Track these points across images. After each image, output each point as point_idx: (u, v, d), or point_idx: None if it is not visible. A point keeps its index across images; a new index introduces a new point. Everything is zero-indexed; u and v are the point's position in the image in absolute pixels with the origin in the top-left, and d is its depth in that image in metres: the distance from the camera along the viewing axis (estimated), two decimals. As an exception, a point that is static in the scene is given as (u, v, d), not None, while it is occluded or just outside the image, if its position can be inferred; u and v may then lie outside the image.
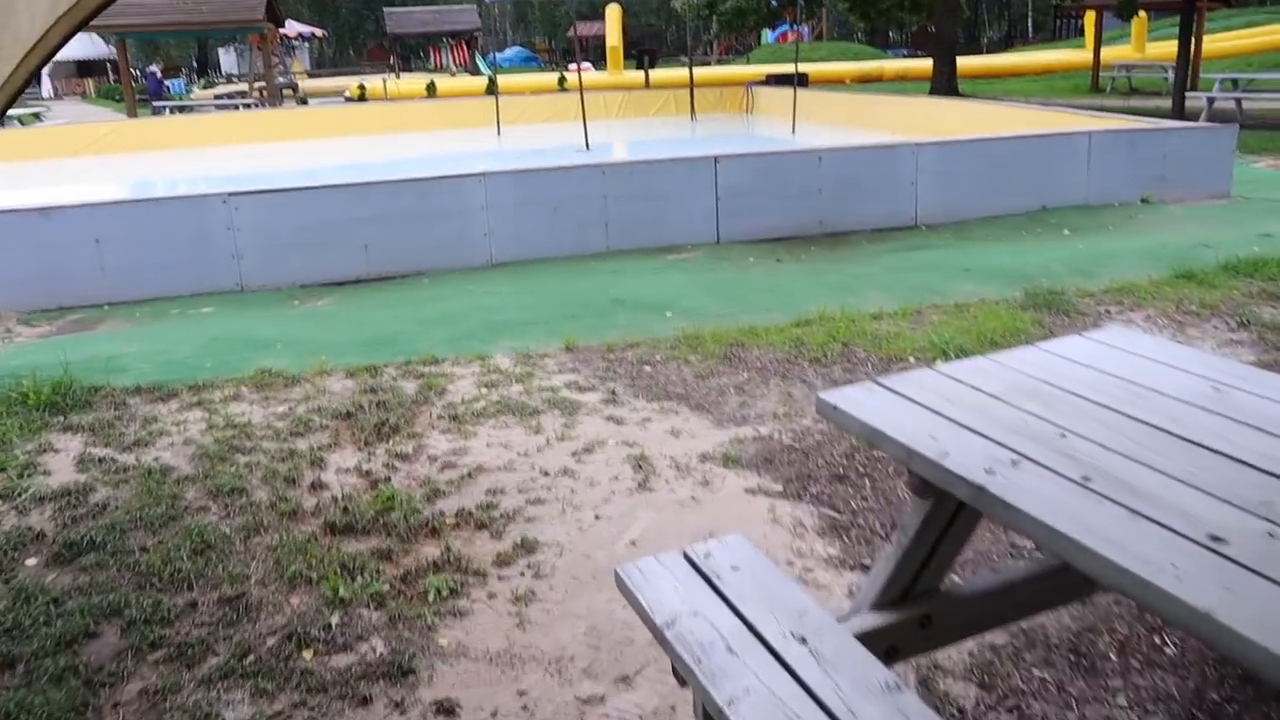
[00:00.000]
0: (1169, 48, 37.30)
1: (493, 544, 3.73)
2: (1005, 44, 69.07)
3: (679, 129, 20.35)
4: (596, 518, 3.90)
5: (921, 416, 2.21)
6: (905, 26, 61.70)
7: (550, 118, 21.28)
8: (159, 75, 34.48)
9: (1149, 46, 36.48)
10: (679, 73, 35.33)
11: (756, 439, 4.62)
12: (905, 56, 54.15)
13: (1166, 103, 24.19)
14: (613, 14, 36.39)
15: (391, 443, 4.68)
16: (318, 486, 4.25)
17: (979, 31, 65.89)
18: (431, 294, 7.61)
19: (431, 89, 29.83)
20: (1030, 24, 75.08)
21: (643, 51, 27.87)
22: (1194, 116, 18.85)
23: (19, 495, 4.21)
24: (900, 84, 34.91)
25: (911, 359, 5.70)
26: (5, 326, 7.38)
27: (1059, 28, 68.58)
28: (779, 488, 4.13)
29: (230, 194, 7.92)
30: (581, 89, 16.05)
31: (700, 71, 23.34)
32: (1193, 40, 29.56)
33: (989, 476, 1.90)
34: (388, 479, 4.30)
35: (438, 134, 20.15)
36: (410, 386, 5.42)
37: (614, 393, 5.23)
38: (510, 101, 21.68)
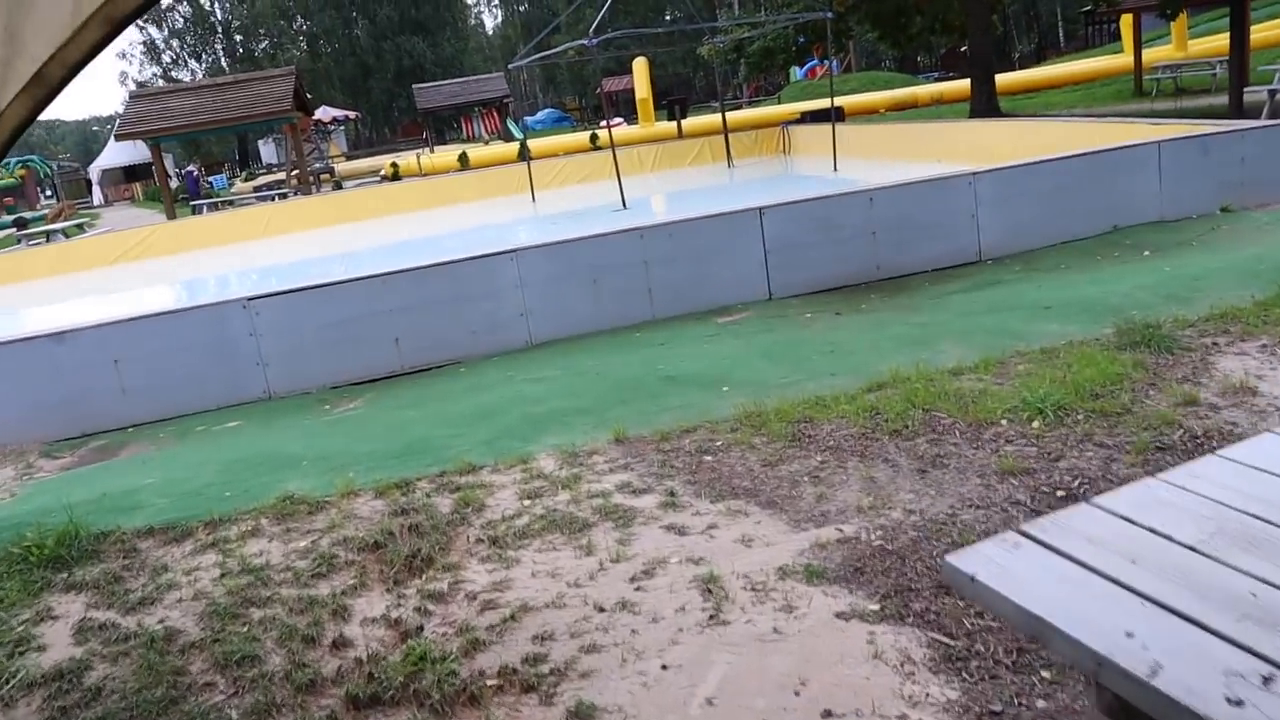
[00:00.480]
0: (1209, 44, 36.44)
1: (542, 712, 3.12)
2: (1038, 57, 68.11)
3: (716, 177, 19.87)
4: (663, 667, 3.28)
5: (1100, 591, 1.57)
6: (934, 50, 61.14)
7: (584, 178, 20.94)
8: (196, 174, 34.89)
9: (1190, 44, 35.55)
10: (711, 119, 35.03)
11: (841, 542, 3.97)
12: (937, 79, 53.54)
13: (1218, 100, 23.28)
14: (640, 67, 36.25)
15: (424, 578, 4.10)
16: (340, 645, 3.68)
17: (1009, 47, 65.03)
18: (468, 385, 7.08)
19: (464, 160, 29.73)
20: (1061, 34, 74.12)
21: (672, 101, 27.54)
22: (1254, 112, 17.97)
23: (7, 682, 3.69)
24: (937, 108, 34.25)
25: (1004, 421, 5.03)
26: (27, 461, 6.97)
27: (1091, 35, 67.59)
28: (875, 607, 3.47)
29: (250, 298, 7.49)
30: (613, 146, 15.63)
31: (733, 116, 22.94)
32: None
33: (1235, 711, 1.27)
34: (420, 628, 3.72)
35: (473, 205, 19.90)
36: (445, 503, 4.86)
37: (673, 493, 4.62)
38: (543, 165, 21.40)
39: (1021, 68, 50.16)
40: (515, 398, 6.49)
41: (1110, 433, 4.76)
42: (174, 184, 36.85)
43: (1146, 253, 8.57)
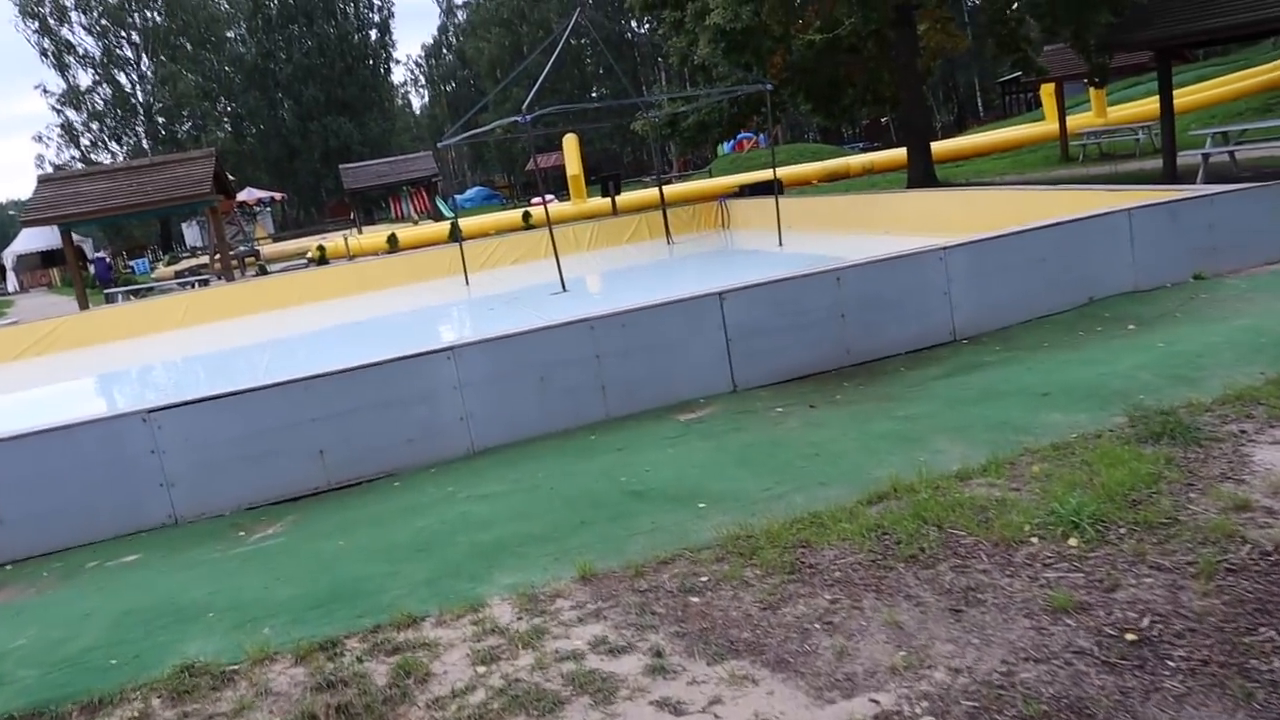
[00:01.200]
0: (1126, 110, 37.30)
1: None
2: (959, 126, 69.81)
3: (656, 254, 19.31)
4: None
5: None
6: (856, 120, 62.11)
7: (519, 258, 20.25)
8: (107, 260, 33.59)
9: (1110, 111, 36.32)
10: (644, 194, 34.75)
11: (881, 721, 3.20)
12: (863, 149, 54.24)
13: (1147, 164, 23.49)
14: (570, 143, 35.92)
15: (356, 789, 3.23)
16: None
17: (930, 117, 66.37)
18: (404, 505, 6.21)
19: (393, 241, 28.92)
20: (980, 103, 76.14)
21: (605, 177, 27.11)
22: (1188, 175, 17.98)
23: None
24: (870, 178, 34.39)
25: (1035, 539, 4.33)
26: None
27: (1008, 104, 69.43)
28: (946, 824, 2.69)
29: (151, 410, 6.57)
30: (550, 225, 14.96)
31: (667, 190, 22.49)
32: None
33: None
34: None
35: (403, 290, 19.04)
36: (381, 672, 3.99)
37: (659, 652, 3.81)
38: (475, 246, 20.68)
39: (944, 137, 51.03)
40: (459, 521, 5.63)
41: (1163, 550, 4.09)
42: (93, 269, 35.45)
43: (1131, 326, 8.04)
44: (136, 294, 27.63)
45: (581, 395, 7.28)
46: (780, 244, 16.37)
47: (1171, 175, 18.61)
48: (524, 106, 13.72)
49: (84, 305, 23.79)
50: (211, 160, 24.09)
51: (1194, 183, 16.98)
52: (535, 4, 73.53)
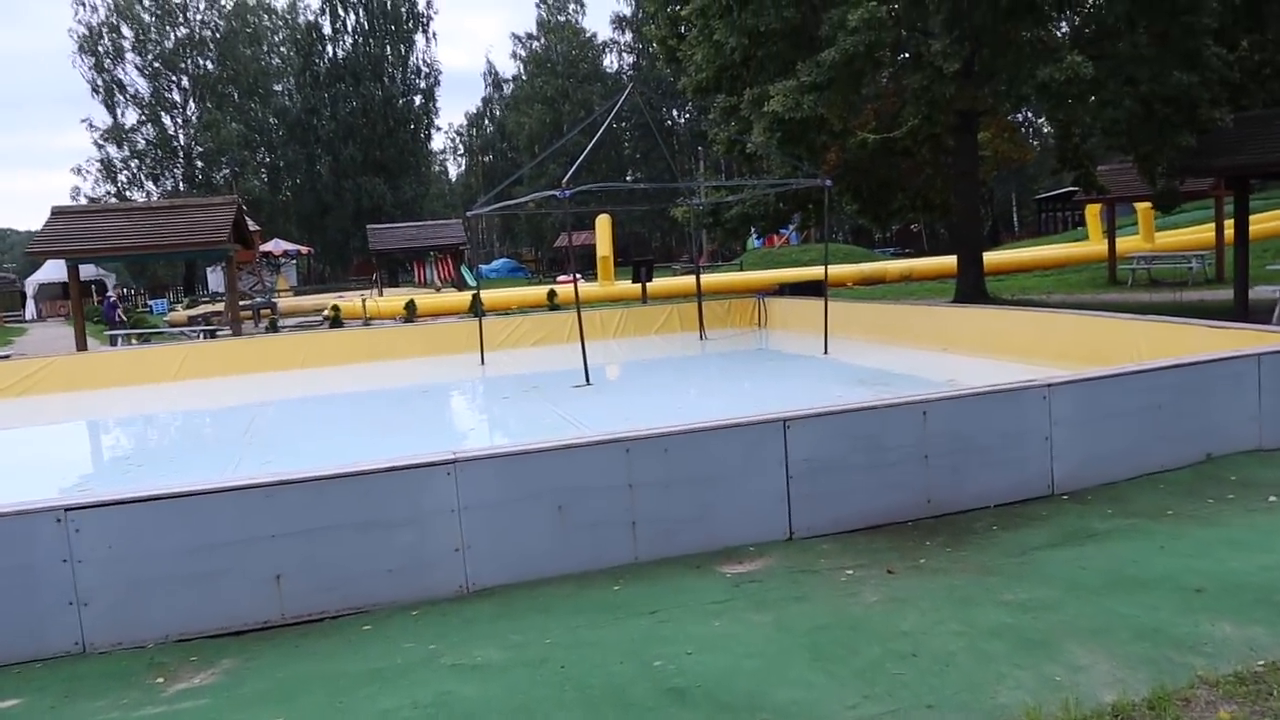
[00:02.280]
0: (1171, 237, 36.25)
1: None
2: (993, 240, 69.02)
3: (687, 349, 18.06)
4: None
5: None
6: (889, 225, 61.46)
7: (541, 339, 19.03)
8: (113, 300, 32.64)
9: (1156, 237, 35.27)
10: (672, 282, 33.72)
11: None
12: (893, 255, 53.35)
13: (1207, 295, 22.29)
14: (602, 224, 35.05)
15: None
16: None
17: (982, 229, 65.64)
18: (370, 665, 4.81)
19: (411, 309, 27.82)
20: (1015, 219, 75.50)
21: (638, 263, 26.04)
22: (1259, 312, 16.71)
23: None
24: (908, 286, 33.28)
25: None
26: None
27: (1044, 221, 68.73)
28: None
29: (69, 507, 5.24)
30: (579, 311, 13.73)
31: (702, 280, 21.36)
32: (1217, 226, 28.05)
33: None
34: None
35: (415, 362, 17.81)
36: None
37: None
38: (497, 323, 19.52)
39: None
40: (436, 708, 4.24)
41: None
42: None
43: (1272, 498, 6.66)
44: (141, 338, 26.60)
45: (607, 532, 5.93)
46: (826, 351, 15.09)
47: (1243, 310, 17.35)
48: (564, 180, 12.67)
49: (82, 346, 22.70)
50: (233, 208, 23.12)
51: (1269, 321, 15.73)
52: (580, 85, 73.78)
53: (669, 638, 4.81)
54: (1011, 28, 16.82)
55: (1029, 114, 52.93)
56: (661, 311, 20.58)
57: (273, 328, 27.43)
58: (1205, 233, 34.86)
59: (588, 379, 12.93)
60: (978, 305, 16.11)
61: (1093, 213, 40.12)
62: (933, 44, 15.84)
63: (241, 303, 33.62)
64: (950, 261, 35.42)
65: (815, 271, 32.97)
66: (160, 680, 4.91)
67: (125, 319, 28.68)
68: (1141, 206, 34.15)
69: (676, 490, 6.05)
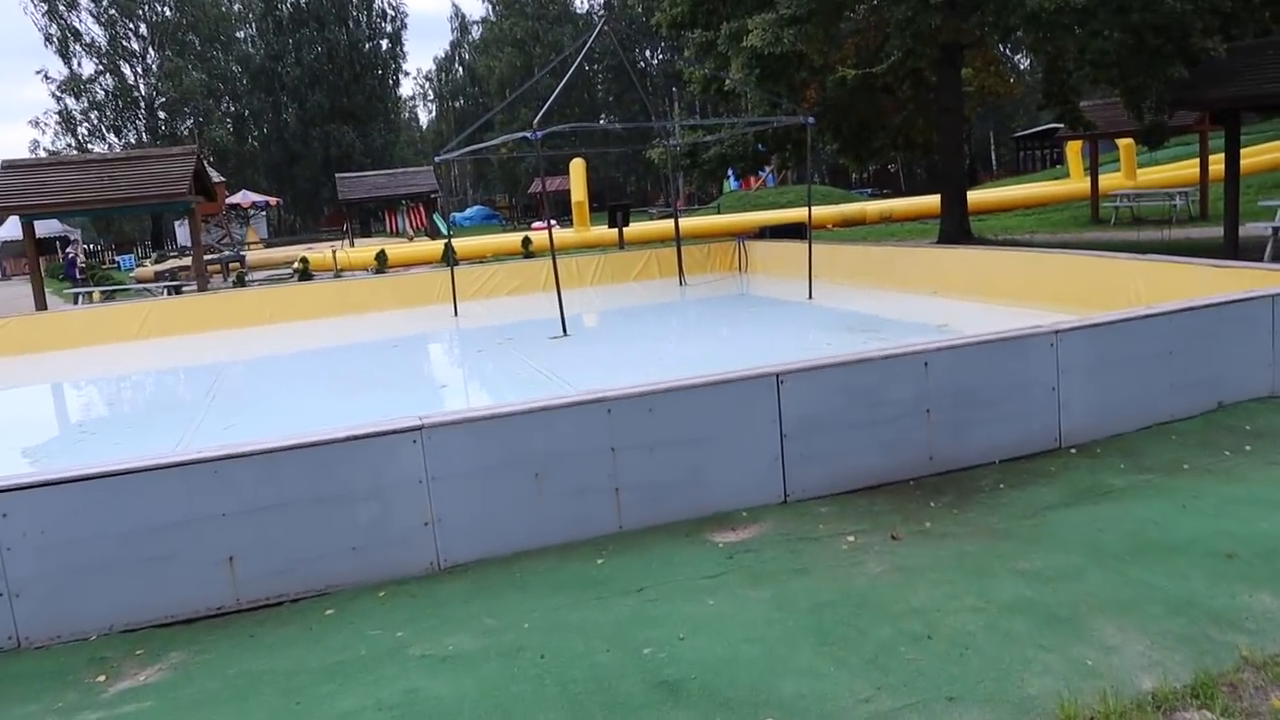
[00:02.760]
0: (1154, 174, 35.84)
1: None
2: (971, 180, 68.39)
3: (667, 294, 17.56)
4: None
5: None
6: (867, 165, 60.60)
7: (515, 289, 18.50)
8: (73, 256, 31.72)
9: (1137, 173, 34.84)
10: (649, 227, 33.02)
11: None
12: (870, 196, 52.69)
13: (1194, 232, 21.93)
14: (577, 168, 34.28)
15: None
16: None
17: (964, 167, 64.96)
18: (331, 659, 4.38)
19: (381, 259, 27.11)
20: (994, 158, 74.90)
21: (614, 208, 25.40)
22: (1250, 250, 16.35)
23: None
24: (889, 227, 32.76)
25: None
26: None
27: (1023, 160, 68.18)
28: None
29: (2, 489, 4.75)
30: (555, 260, 13.19)
31: (680, 224, 20.75)
32: (1202, 162, 27.59)
33: None
34: None
35: (387, 315, 17.24)
36: None
37: None
38: (471, 272, 18.94)
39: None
40: (402, 707, 3.81)
41: None
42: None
43: (1292, 450, 6.30)
44: (105, 295, 25.81)
45: (589, 499, 5.48)
46: (810, 295, 14.63)
47: (1233, 248, 17.00)
48: (535, 122, 12.05)
49: (41, 305, 21.97)
50: (192, 159, 22.31)
51: (1260, 259, 15.38)
52: (550, 27, 72.18)
53: (659, 619, 4.40)
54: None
55: (1008, 49, 52.09)
56: (639, 257, 20.04)
57: (240, 282, 26.69)
58: (1187, 169, 34.45)
59: (565, 329, 12.43)
60: (966, 246, 15.67)
61: (1074, 150, 39.61)
62: (918, -27, 15.18)
63: (209, 256, 32.81)
64: (930, 201, 34.91)
65: (795, 214, 32.35)
66: (101, 679, 4.46)
67: (87, 275, 27.79)
68: (1124, 143, 33.70)
69: (663, 452, 5.60)
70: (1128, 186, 32.34)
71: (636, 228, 30.21)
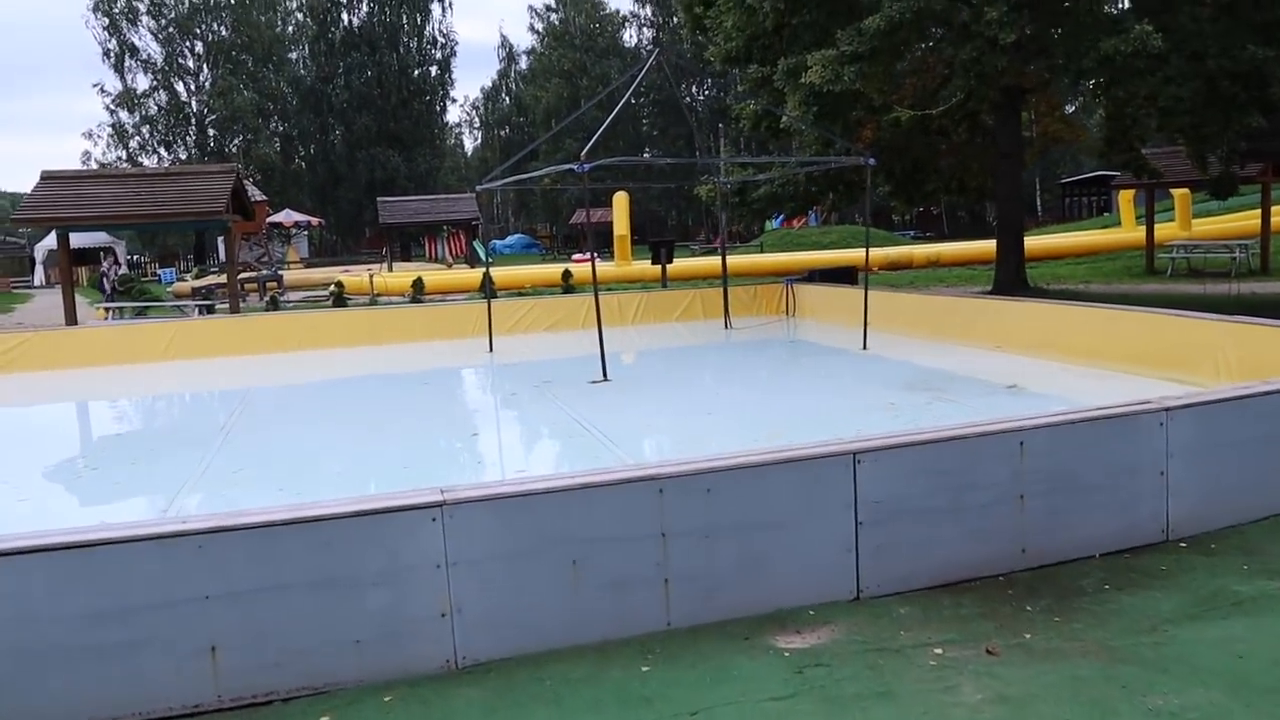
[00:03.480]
0: (1208, 225, 34.68)
1: None
2: (1019, 225, 67.15)
3: (713, 337, 16.79)
4: None
5: None
6: (915, 208, 59.76)
7: (554, 324, 17.83)
8: (104, 270, 31.52)
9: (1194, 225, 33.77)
10: (691, 264, 32.37)
11: None
12: (914, 239, 51.80)
13: (1259, 287, 20.98)
14: (620, 201, 33.73)
15: None
16: None
17: (986, 213, 64.05)
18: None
19: (418, 286, 26.60)
20: (1039, 204, 73.78)
21: (657, 244, 24.78)
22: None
23: None
24: (935, 271, 31.88)
25: None
26: None
27: (1067, 206, 67.07)
28: None
29: (-52, 559, 4.07)
30: (598, 302, 12.50)
31: (720, 262, 20.05)
32: (1264, 213, 26.56)
33: None
34: None
35: (419, 347, 16.61)
36: None
37: None
38: (508, 305, 18.33)
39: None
40: None
41: None
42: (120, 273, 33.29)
43: None
44: (136, 311, 25.45)
45: (634, 592, 4.73)
46: (865, 345, 13.83)
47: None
48: (582, 155, 11.44)
49: (72, 319, 21.61)
50: (231, 177, 21.94)
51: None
52: (598, 59, 72.20)
53: (717, 758, 3.63)
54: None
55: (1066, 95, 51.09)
56: (683, 296, 19.33)
57: (274, 304, 26.26)
58: (1241, 220, 33.33)
59: (605, 373, 11.71)
60: (1029, 299, 14.79)
61: (1125, 198, 38.60)
62: (987, 12, 14.45)
63: (247, 275, 32.53)
64: (978, 246, 34.04)
65: (842, 255, 31.63)
66: (49, 793, 3.76)
67: (117, 289, 27.49)
68: (1179, 192, 32.69)
69: (721, 541, 4.84)
70: (1182, 237, 31.32)
71: (679, 264, 29.58)
